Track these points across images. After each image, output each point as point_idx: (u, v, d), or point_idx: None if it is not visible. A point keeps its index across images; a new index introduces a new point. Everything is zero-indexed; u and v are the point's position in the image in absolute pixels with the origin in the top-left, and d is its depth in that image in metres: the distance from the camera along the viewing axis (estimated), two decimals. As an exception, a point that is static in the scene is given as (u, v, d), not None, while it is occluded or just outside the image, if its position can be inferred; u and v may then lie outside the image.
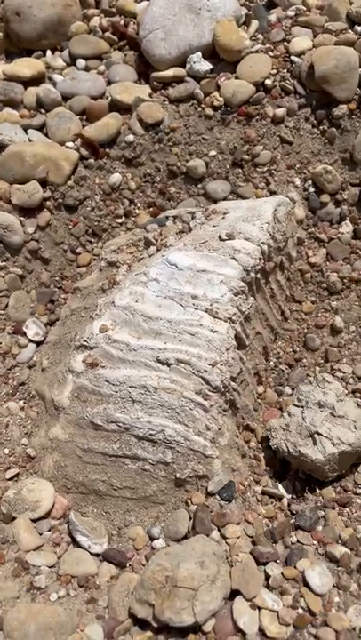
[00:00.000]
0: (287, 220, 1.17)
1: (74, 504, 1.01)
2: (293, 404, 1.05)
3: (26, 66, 1.38)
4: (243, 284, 1.05)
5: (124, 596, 0.87)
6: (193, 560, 0.83)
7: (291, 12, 1.34)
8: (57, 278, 1.31)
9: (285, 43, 1.30)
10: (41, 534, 0.96)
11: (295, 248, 1.24)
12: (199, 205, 1.30)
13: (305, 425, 1.00)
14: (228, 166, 1.29)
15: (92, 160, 1.30)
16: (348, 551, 0.90)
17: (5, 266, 1.26)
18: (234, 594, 0.84)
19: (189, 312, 1.02)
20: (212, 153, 1.28)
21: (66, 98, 1.36)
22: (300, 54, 1.26)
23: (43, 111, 1.35)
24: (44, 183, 1.27)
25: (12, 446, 1.10)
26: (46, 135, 1.33)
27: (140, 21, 1.35)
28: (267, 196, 1.25)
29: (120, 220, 1.32)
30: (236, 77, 1.27)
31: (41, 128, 1.34)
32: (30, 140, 1.31)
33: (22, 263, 1.28)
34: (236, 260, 1.06)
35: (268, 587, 0.86)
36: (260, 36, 1.33)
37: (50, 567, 0.91)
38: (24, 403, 1.17)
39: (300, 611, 0.83)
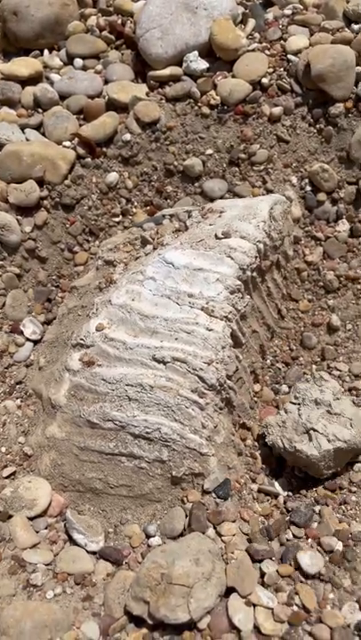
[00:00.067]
0: (283, 218, 1.17)
1: (70, 502, 1.01)
2: (290, 402, 1.05)
3: (23, 65, 1.39)
4: (239, 283, 1.05)
5: (119, 593, 0.87)
6: (188, 557, 0.84)
7: (287, 11, 1.34)
8: (54, 277, 1.31)
9: (282, 41, 1.30)
10: (37, 532, 0.97)
11: (292, 246, 1.24)
12: (196, 204, 1.30)
13: (301, 421, 1.00)
14: (224, 165, 1.29)
15: (88, 159, 1.30)
16: (342, 546, 0.90)
17: (2, 265, 1.27)
18: (229, 591, 0.84)
19: (185, 310, 1.02)
20: (209, 152, 1.29)
21: (63, 97, 1.36)
22: (296, 53, 1.26)
23: (40, 110, 1.36)
24: (41, 182, 1.28)
25: (9, 444, 1.11)
26: (43, 134, 1.33)
27: (137, 20, 1.35)
28: (263, 195, 1.26)
29: (117, 219, 1.32)
30: (233, 76, 1.27)
31: (38, 127, 1.34)
32: (27, 140, 1.31)
33: (19, 262, 1.28)
34: (232, 258, 1.06)
35: (263, 584, 0.86)
36: (256, 34, 1.33)
37: (46, 565, 0.92)
38: (21, 401, 1.18)
39: (295, 608, 0.84)
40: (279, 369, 1.20)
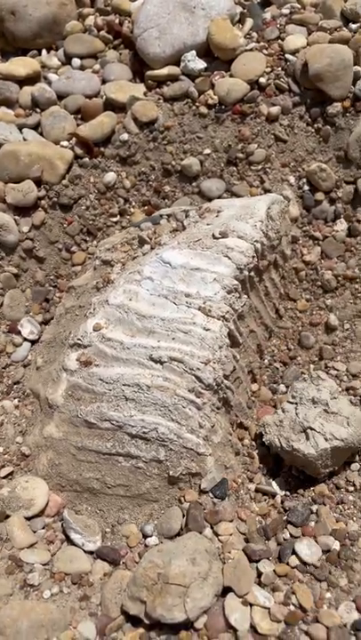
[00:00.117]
0: (281, 218, 1.17)
1: (68, 502, 1.01)
2: (288, 401, 1.05)
3: (21, 65, 1.39)
4: (236, 282, 1.05)
5: (116, 593, 0.87)
6: (185, 557, 0.84)
7: (285, 10, 1.34)
8: (52, 277, 1.32)
9: (280, 41, 1.30)
10: (35, 532, 0.97)
11: (290, 246, 1.24)
12: (194, 204, 1.30)
13: (298, 420, 1.00)
14: (222, 164, 1.29)
15: (86, 159, 1.30)
16: (339, 546, 0.91)
17: (0, 265, 1.27)
18: (226, 591, 0.84)
19: (183, 310, 1.02)
20: (207, 151, 1.29)
21: (61, 97, 1.36)
22: (294, 52, 1.26)
23: (38, 110, 1.36)
24: (38, 182, 1.28)
25: (7, 444, 1.11)
26: (41, 134, 1.33)
27: (135, 20, 1.35)
28: (261, 195, 1.26)
29: (115, 219, 1.32)
30: (231, 76, 1.27)
31: (36, 127, 1.34)
32: (25, 140, 1.31)
33: (17, 262, 1.28)
34: (229, 258, 1.06)
35: (260, 584, 0.87)
36: (254, 34, 1.33)
37: (43, 565, 0.92)
38: (19, 401, 1.18)
39: (292, 607, 0.84)
40: (277, 368, 1.20)
